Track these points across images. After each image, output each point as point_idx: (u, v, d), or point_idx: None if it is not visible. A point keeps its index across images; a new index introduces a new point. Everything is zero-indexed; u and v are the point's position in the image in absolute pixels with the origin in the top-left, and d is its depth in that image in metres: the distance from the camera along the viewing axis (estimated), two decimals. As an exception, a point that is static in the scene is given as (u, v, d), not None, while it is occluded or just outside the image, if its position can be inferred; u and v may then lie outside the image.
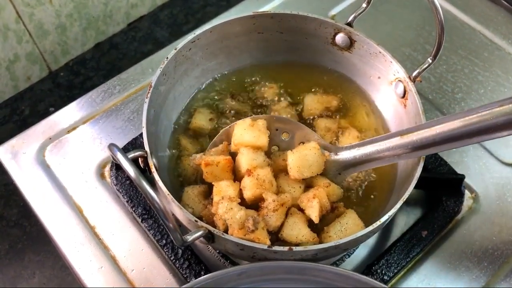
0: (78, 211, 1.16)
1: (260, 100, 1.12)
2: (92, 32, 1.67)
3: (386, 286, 0.82)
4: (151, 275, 1.07)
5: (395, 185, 1.02)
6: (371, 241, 1.12)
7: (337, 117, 1.10)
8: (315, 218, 0.88)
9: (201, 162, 0.94)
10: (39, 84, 1.66)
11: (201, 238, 0.86)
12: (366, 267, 1.05)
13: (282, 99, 1.11)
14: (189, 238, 0.81)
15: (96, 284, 1.06)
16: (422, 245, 1.08)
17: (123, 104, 1.30)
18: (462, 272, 1.08)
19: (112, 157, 0.80)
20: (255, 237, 0.83)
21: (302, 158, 0.91)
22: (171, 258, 1.06)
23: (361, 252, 1.11)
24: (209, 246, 1.08)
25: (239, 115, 1.10)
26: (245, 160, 0.93)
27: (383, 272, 1.04)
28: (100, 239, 1.13)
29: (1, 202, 1.97)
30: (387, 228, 1.14)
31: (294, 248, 0.82)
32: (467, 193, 1.19)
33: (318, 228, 0.93)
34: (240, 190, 0.92)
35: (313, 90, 1.14)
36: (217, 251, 1.07)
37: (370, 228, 0.84)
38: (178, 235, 0.79)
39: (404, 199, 0.86)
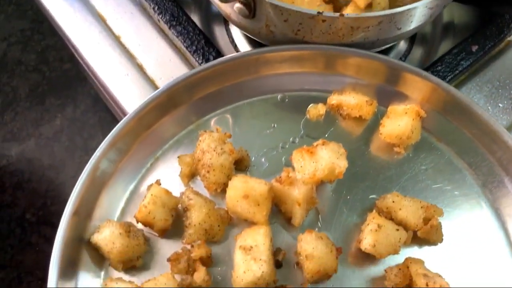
0: (101, 20, 1.11)
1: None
2: None
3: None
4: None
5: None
6: (418, 54, 1.06)
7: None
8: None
9: None
10: None
11: (241, 7, 0.81)
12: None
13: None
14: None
15: (122, 89, 1.03)
16: (471, 61, 1.01)
17: None
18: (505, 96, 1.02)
19: None
20: None
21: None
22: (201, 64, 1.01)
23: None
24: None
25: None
26: None
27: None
28: (125, 48, 1.08)
29: (18, 47, 1.96)
30: (432, 46, 1.08)
31: (345, 14, 0.77)
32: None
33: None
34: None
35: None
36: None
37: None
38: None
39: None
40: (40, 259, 1.44)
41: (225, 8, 0.87)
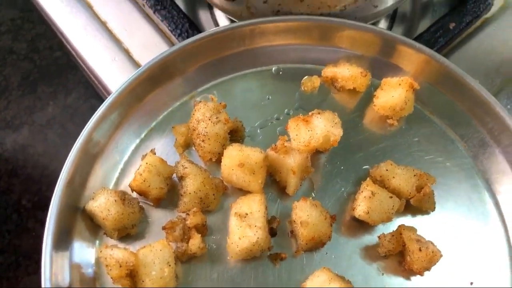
0: (87, 6, 1.11)
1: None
2: None
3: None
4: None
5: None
6: (398, 31, 1.08)
7: None
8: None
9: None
10: None
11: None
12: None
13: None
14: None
15: (110, 73, 1.04)
16: (448, 38, 1.03)
17: None
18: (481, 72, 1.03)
19: None
20: None
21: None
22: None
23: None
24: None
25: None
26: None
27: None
28: (112, 33, 1.09)
29: (9, 36, 1.96)
30: (412, 24, 1.09)
31: (323, -9, 0.77)
32: (498, -7, 1.11)
33: None
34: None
35: None
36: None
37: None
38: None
39: None
40: (37, 243, 1.44)
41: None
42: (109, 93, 1.03)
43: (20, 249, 1.52)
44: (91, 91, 1.83)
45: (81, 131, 0.82)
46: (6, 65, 1.92)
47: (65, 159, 0.78)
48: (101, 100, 1.08)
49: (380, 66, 0.89)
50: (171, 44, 1.06)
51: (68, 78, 1.85)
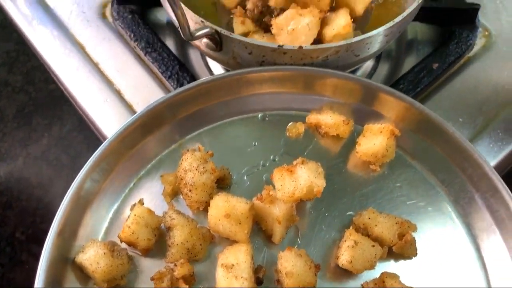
0: (80, 48, 1.14)
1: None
2: None
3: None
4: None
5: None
6: (383, 70, 1.11)
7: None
8: None
9: None
10: None
11: (208, 42, 0.85)
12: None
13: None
14: (196, 33, 0.79)
15: (102, 114, 1.06)
16: (432, 78, 1.06)
17: None
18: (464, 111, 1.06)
19: None
20: None
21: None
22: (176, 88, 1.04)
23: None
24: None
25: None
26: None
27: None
28: (104, 75, 1.11)
29: (4, 68, 2.00)
30: (397, 62, 1.12)
31: (304, 46, 0.80)
32: (480, 31, 1.15)
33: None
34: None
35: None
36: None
37: (384, 27, 0.81)
38: (186, 28, 0.77)
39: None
40: (31, 277, 1.45)
41: (194, 42, 0.90)
42: (101, 133, 1.05)
43: (13, 282, 1.53)
44: (85, 123, 1.86)
45: (75, 163, 0.84)
46: (1, 97, 1.95)
47: (60, 192, 0.80)
48: (94, 133, 1.11)
49: (362, 112, 0.91)
50: (162, 85, 1.08)
51: (63, 110, 1.89)
